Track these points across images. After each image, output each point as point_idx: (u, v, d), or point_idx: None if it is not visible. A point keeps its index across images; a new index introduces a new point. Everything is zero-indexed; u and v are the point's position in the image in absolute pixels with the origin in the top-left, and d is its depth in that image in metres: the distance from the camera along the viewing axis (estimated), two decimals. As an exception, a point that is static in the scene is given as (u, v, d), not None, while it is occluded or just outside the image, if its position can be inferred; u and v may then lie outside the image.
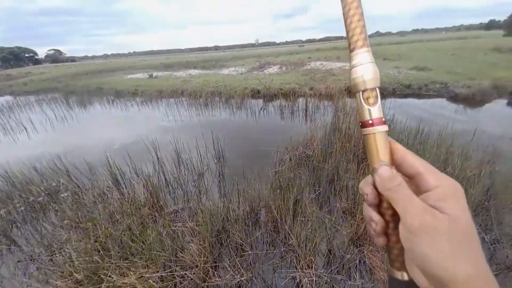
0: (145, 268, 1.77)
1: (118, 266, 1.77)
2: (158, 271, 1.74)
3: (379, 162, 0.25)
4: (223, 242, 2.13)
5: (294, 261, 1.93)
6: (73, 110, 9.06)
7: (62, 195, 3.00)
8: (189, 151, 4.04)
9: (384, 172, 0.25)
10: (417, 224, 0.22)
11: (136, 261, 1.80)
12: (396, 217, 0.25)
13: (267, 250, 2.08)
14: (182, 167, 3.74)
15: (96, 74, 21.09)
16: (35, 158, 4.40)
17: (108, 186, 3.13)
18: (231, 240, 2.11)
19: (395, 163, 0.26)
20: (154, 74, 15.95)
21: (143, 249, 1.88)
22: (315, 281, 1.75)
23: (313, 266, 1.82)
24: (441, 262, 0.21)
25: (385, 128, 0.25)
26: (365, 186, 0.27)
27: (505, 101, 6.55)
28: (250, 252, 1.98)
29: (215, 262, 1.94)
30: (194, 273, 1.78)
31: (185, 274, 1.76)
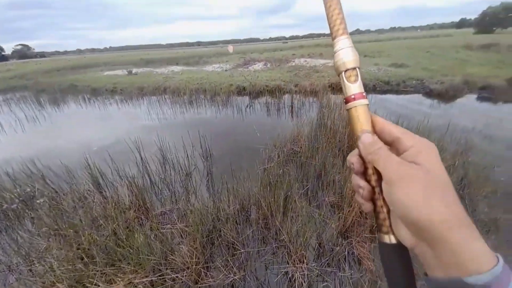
0: (133, 273, 1.70)
1: (104, 273, 1.69)
2: (147, 276, 1.68)
3: (362, 130, 0.28)
4: (215, 242, 2.11)
5: (286, 256, 1.96)
6: (45, 109, 8.45)
7: (37, 201, 2.80)
8: (175, 151, 3.93)
9: (366, 138, 0.27)
10: (395, 175, 0.24)
11: (123, 267, 1.73)
12: (380, 181, 0.27)
13: (259, 248, 2.09)
14: (168, 167, 3.64)
15: (69, 71, 19.81)
16: (4, 162, 4.07)
17: (88, 190, 2.97)
18: (223, 240, 2.10)
19: (376, 133, 0.28)
20: (134, 70, 15.28)
21: (130, 253, 1.81)
22: (307, 274, 1.78)
23: (305, 260, 1.86)
24: (417, 207, 0.22)
25: (365, 101, 0.28)
26: (351, 157, 0.29)
27: (475, 96, 7.03)
28: (242, 250, 1.98)
29: (207, 263, 1.92)
30: (185, 275, 1.75)
31: (177, 276, 1.72)
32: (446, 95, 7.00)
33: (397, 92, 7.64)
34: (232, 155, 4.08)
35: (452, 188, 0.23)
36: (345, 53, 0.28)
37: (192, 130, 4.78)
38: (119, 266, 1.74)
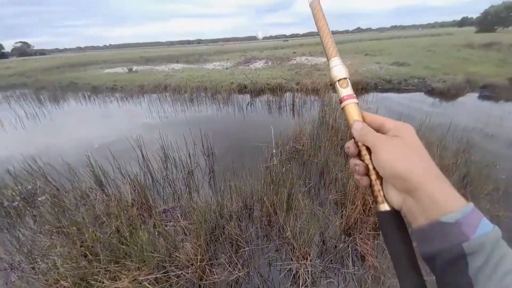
0: (137, 270, 1.70)
1: (108, 270, 1.69)
2: (152, 273, 1.68)
3: (354, 120, 0.34)
4: (218, 239, 2.11)
5: (290, 253, 1.96)
6: (45, 107, 8.42)
7: (39, 199, 2.79)
8: (176, 148, 3.92)
9: (357, 125, 0.33)
10: (380, 144, 0.30)
11: (127, 264, 1.73)
12: (371, 159, 0.32)
13: (262, 245, 2.09)
14: (170, 165, 3.63)
15: (69, 68, 19.72)
16: (5, 160, 4.06)
17: (90, 187, 2.96)
18: (226, 237, 2.09)
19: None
20: (134, 68, 15.22)
21: (134, 251, 1.80)
22: (311, 271, 1.78)
23: (308, 257, 1.86)
24: (399, 163, 0.28)
25: (355, 100, 0.34)
26: (348, 144, 0.35)
27: (476, 94, 7.02)
28: (246, 248, 1.98)
29: (211, 260, 1.92)
30: (190, 272, 1.75)
31: (181, 273, 1.72)
32: (448, 94, 6.99)
33: (399, 90, 7.63)
34: (234, 153, 4.08)
35: (428, 155, 0.28)
36: (338, 69, 0.35)
37: (193, 128, 4.77)
38: (123, 263, 1.74)
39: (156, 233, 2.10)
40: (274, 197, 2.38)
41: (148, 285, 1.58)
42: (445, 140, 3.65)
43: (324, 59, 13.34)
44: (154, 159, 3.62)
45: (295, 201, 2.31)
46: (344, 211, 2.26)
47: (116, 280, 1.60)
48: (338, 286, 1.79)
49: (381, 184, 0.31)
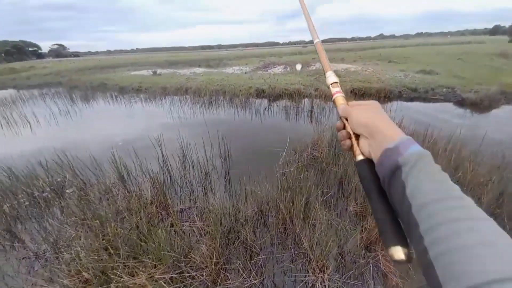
0: (154, 268, 1.73)
1: (127, 265, 1.73)
2: (168, 272, 1.70)
3: (340, 105, 0.45)
4: (233, 243, 2.09)
5: (306, 264, 1.89)
6: (77, 105, 9.03)
7: (67, 191, 2.96)
8: (195, 149, 3.99)
9: (342, 106, 0.44)
10: (353, 111, 0.41)
11: (145, 261, 1.76)
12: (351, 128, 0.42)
13: (278, 254, 2.04)
14: (188, 165, 3.70)
15: (100, 70, 21.06)
16: (38, 153, 4.37)
17: (114, 183, 3.09)
18: (241, 242, 2.07)
19: None
20: (158, 71, 15.92)
21: (152, 248, 1.84)
22: (328, 286, 1.70)
23: (326, 270, 1.78)
24: (363, 117, 0.39)
25: (342, 94, 0.46)
26: (337, 123, 0.45)
27: (512, 107, 6.49)
28: (262, 256, 1.94)
29: (225, 264, 1.90)
30: (204, 275, 1.74)
31: (196, 275, 1.72)
32: (480, 105, 6.52)
33: (425, 100, 7.24)
34: (250, 157, 4.07)
35: (382, 111, 0.40)
36: (331, 77, 0.49)
37: (211, 130, 4.84)
38: (141, 259, 1.77)
39: (173, 232, 2.13)
40: (291, 204, 2.33)
41: (163, 284, 1.59)
42: (478, 155, 3.39)
43: (344, 66, 13.09)
44: (173, 158, 3.71)
45: (313, 210, 2.24)
46: (365, 225, 2.16)
47: (134, 276, 1.64)
48: (357, 304, 1.69)
49: (357, 141, 0.41)
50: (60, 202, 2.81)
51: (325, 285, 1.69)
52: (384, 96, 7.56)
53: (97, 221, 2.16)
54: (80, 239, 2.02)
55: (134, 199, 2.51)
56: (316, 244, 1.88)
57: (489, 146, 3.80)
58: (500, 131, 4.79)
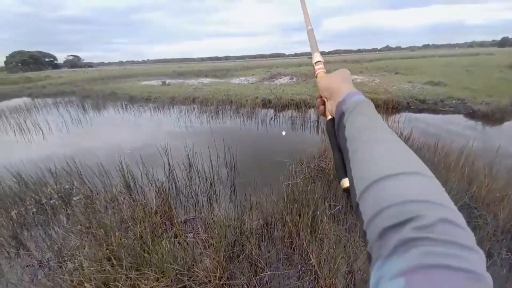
0: (156, 281, 1.69)
1: (129, 277, 1.70)
2: (170, 285, 1.65)
3: (319, 77, 0.48)
4: (238, 257, 2.03)
5: (314, 282, 1.81)
6: (88, 113, 9.29)
7: (74, 198, 2.99)
8: (201, 159, 4.00)
9: (320, 78, 0.47)
10: (321, 80, 0.46)
11: (147, 273, 1.73)
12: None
13: (284, 270, 1.96)
14: (194, 174, 3.70)
15: (111, 80, 21.79)
16: (49, 159, 4.46)
17: (120, 191, 3.10)
18: (246, 256, 2.01)
19: None
20: (167, 81, 16.34)
21: (155, 260, 1.80)
22: (337, 306, 1.62)
23: (334, 289, 1.69)
24: (325, 83, 0.44)
25: (323, 70, 0.50)
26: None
27: (526, 119, 6.29)
28: (266, 270, 1.87)
29: (229, 279, 1.84)
30: (207, 290, 1.69)
31: (198, 290, 1.67)
32: (492, 117, 6.36)
33: (435, 111, 7.12)
34: (256, 167, 4.04)
35: (344, 75, 0.43)
36: (317, 57, 0.52)
37: (217, 139, 4.86)
38: (144, 271, 1.74)
39: (177, 243, 2.09)
40: (297, 217, 2.27)
41: (165, 299, 1.54)
42: (493, 168, 3.26)
43: (353, 76, 13.10)
44: (179, 167, 3.72)
45: (320, 224, 2.17)
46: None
47: (136, 289, 1.60)
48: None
49: (325, 106, 0.45)
50: (67, 210, 2.83)
51: (333, 306, 1.60)
52: (392, 107, 7.48)
53: (102, 230, 2.15)
54: (84, 248, 2.01)
55: (139, 208, 2.50)
56: (324, 260, 1.81)
57: (504, 159, 3.66)
58: (514, 144, 4.62)
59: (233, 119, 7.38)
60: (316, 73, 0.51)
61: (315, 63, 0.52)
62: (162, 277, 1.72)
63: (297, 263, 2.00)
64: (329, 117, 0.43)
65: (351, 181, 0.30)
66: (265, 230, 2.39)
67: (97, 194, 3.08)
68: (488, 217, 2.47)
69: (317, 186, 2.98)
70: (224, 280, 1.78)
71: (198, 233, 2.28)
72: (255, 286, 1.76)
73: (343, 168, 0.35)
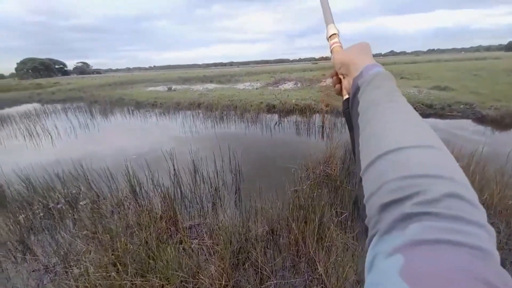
0: (161, 287, 1.67)
1: (134, 283, 1.68)
2: (175, 293, 1.63)
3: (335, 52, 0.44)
4: (243, 264, 2.00)
5: (321, 292, 1.76)
6: (95, 119, 9.46)
7: (81, 203, 3.01)
8: (206, 164, 4.01)
9: (335, 53, 0.44)
10: (337, 55, 0.43)
11: (152, 280, 1.71)
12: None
13: (290, 279, 1.92)
14: (199, 180, 3.70)
15: (119, 86, 22.25)
16: (57, 164, 4.54)
17: (126, 196, 3.12)
18: (252, 263, 1.98)
19: None
20: (173, 87, 16.58)
21: (160, 266, 1.79)
22: (345, 317, 1.56)
23: (343, 300, 1.64)
24: (342, 57, 0.40)
25: (339, 44, 0.45)
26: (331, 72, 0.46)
27: (537, 124, 6.13)
28: (273, 279, 1.83)
29: (234, 287, 1.81)
30: (212, 298, 1.66)
31: (204, 298, 1.64)
32: (501, 123, 6.22)
33: (442, 116, 7.02)
34: (261, 172, 4.02)
35: (363, 47, 0.39)
36: (331, 28, 0.47)
37: (222, 144, 4.87)
38: (149, 278, 1.72)
39: (182, 249, 2.08)
40: (303, 224, 2.23)
41: (170, 307, 1.52)
42: (504, 175, 3.17)
43: (355, 82, 13.10)
44: (184, 172, 3.73)
45: (327, 231, 2.13)
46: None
47: (141, 297, 1.58)
48: None
49: (341, 84, 0.42)
50: (73, 214, 2.85)
51: (342, 317, 1.55)
52: (398, 112, 7.41)
53: (108, 235, 2.15)
54: (90, 254, 2.01)
55: (144, 214, 2.50)
56: (332, 269, 1.76)
57: (516, 166, 3.56)
58: (527, 150, 4.49)
59: (238, 124, 7.41)
60: (331, 47, 0.46)
61: (330, 36, 0.46)
62: (167, 284, 1.70)
63: (303, 271, 1.96)
64: (346, 96, 0.40)
65: (358, 157, 0.28)
66: (271, 237, 2.36)
67: (104, 199, 3.10)
68: (501, 225, 2.39)
69: (323, 193, 2.94)
70: (230, 288, 1.75)
71: (203, 239, 2.26)
72: (261, 295, 1.73)
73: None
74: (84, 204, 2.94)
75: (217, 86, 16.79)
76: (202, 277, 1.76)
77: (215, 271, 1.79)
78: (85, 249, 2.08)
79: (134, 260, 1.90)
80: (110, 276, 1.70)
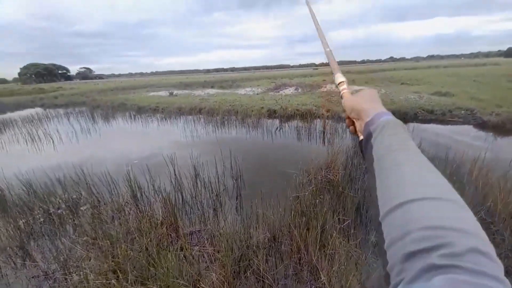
0: (161, 296, 1.64)
1: (134, 292, 1.66)
2: (176, 302, 1.60)
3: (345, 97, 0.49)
4: (245, 272, 1.97)
5: (324, 301, 1.72)
6: (97, 123, 9.50)
7: (81, 208, 2.99)
8: (207, 169, 4.00)
9: (345, 99, 0.49)
10: (347, 100, 0.48)
11: (153, 287, 1.68)
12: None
13: (292, 286, 1.89)
14: (199, 185, 3.68)
15: (121, 91, 22.41)
16: (58, 168, 4.54)
17: (126, 202, 3.10)
18: (253, 271, 1.95)
19: None
20: (175, 92, 16.70)
21: (160, 274, 1.76)
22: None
23: (346, 309, 1.61)
24: (352, 103, 0.45)
25: (347, 91, 0.51)
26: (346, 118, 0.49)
27: (539, 130, 6.12)
28: None
29: (236, 296, 1.78)
30: (214, 307, 1.63)
31: (204, 307, 1.61)
32: (503, 128, 6.21)
33: (443, 122, 7.02)
34: (262, 178, 4.01)
35: (371, 95, 0.44)
36: (339, 77, 0.53)
37: (223, 149, 4.87)
38: (149, 286, 1.69)
39: (182, 256, 2.05)
40: (305, 231, 2.21)
41: (171, 316, 1.49)
42: (508, 181, 3.14)
43: (356, 87, 13.13)
44: (185, 177, 3.72)
45: (330, 238, 2.10)
46: (387, 257, 1.98)
47: (141, 305, 1.55)
48: None
49: (355, 126, 0.45)
50: (74, 220, 2.83)
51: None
52: (399, 118, 7.35)
53: (108, 241, 2.13)
54: (90, 260, 1.99)
55: (145, 219, 2.49)
56: (335, 278, 1.73)
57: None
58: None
59: (239, 129, 7.43)
60: (341, 93, 0.52)
61: (339, 84, 0.53)
62: (168, 293, 1.68)
63: (306, 280, 1.93)
64: (361, 137, 0.43)
65: (375, 200, 0.30)
66: (273, 244, 2.33)
67: (104, 204, 3.09)
68: (505, 233, 2.36)
69: (325, 199, 2.92)
70: (231, 297, 1.72)
71: (204, 246, 2.24)
72: (263, 304, 1.69)
73: None
74: (85, 209, 2.92)
75: (218, 91, 16.90)
76: (203, 285, 1.73)
77: (216, 279, 1.76)
78: (85, 256, 2.05)
79: (135, 267, 1.88)
80: (110, 283, 1.68)
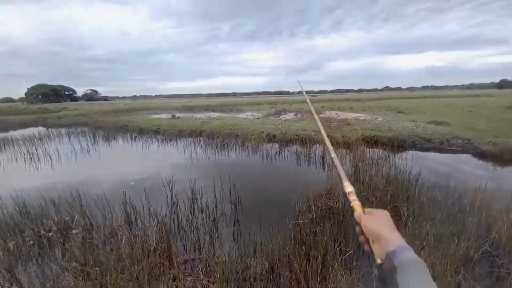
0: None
1: (120, 328, 1.53)
2: None
3: (358, 212, 0.52)
4: (240, 308, 1.84)
5: None
6: (97, 144, 9.55)
7: (73, 231, 2.88)
8: (205, 193, 3.93)
9: (357, 214, 0.52)
10: (364, 220, 0.49)
11: (140, 323, 1.56)
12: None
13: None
14: (196, 209, 3.59)
15: (124, 113, 22.91)
16: (53, 189, 4.46)
17: (120, 225, 3.00)
18: (250, 306, 1.82)
19: None
20: (177, 114, 17.08)
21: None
22: None
23: None
24: (370, 225, 0.47)
25: (357, 202, 0.53)
26: (356, 228, 0.52)
27: (538, 161, 6.15)
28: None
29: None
30: None
31: None
32: (502, 158, 6.25)
33: (441, 150, 7.08)
34: (261, 204, 3.93)
35: (387, 219, 0.48)
36: (348, 186, 0.56)
37: (222, 173, 4.84)
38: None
39: (175, 287, 1.93)
40: (305, 262, 2.11)
41: None
42: (511, 212, 3.08)
43: (354, 114, 13.52)
44: (182, 200, 3.64)
45: (331, 271, 2.00)
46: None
47: None
48: None
49: (372, 246, 0.47)
50: (64, 244, 2.71)
51: None
52: (398, 145, 7.50)
53: (97, 268, 2.02)
54: (77, 290, 1.86)
55: (138, 245, 2.38)
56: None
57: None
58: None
59: (239, 152, 7.45)
60: (351, 204, 0.54)
61: (348, 193, 0.56)
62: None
63: (306, 317, 1.79)
64: (378, 261, 0.45)
65: None
66: (271, 276, 2.21)
67: (97, 227, 2.98)
68: (510, 267, 2.25)
69: (325, 227, 2.83)
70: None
71: (198, 276, 2.12)
72: None
73: None
74: (76, 233, 2.81)
75: (219, 115, 17.30)
76: (195, 322, 1.60)
77: (210, 315, 1.64)
78: (72, 284, 1.93)
79: (123, 298, 1.76)
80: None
